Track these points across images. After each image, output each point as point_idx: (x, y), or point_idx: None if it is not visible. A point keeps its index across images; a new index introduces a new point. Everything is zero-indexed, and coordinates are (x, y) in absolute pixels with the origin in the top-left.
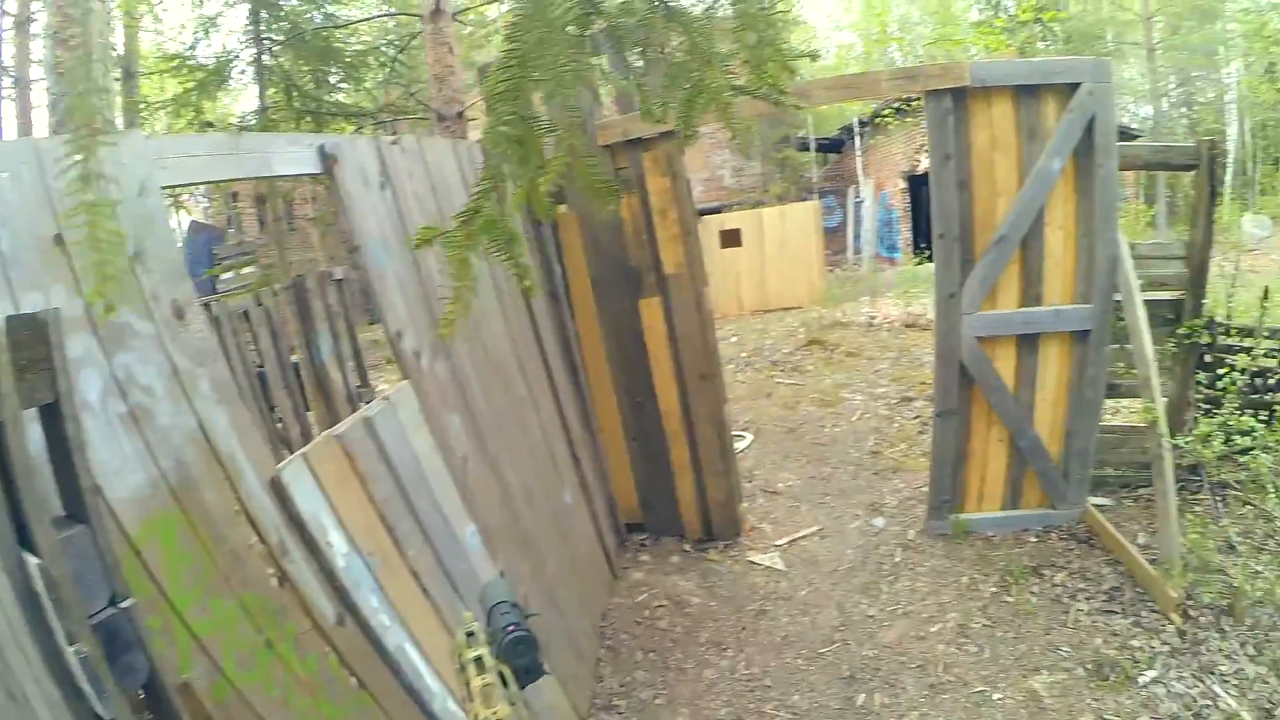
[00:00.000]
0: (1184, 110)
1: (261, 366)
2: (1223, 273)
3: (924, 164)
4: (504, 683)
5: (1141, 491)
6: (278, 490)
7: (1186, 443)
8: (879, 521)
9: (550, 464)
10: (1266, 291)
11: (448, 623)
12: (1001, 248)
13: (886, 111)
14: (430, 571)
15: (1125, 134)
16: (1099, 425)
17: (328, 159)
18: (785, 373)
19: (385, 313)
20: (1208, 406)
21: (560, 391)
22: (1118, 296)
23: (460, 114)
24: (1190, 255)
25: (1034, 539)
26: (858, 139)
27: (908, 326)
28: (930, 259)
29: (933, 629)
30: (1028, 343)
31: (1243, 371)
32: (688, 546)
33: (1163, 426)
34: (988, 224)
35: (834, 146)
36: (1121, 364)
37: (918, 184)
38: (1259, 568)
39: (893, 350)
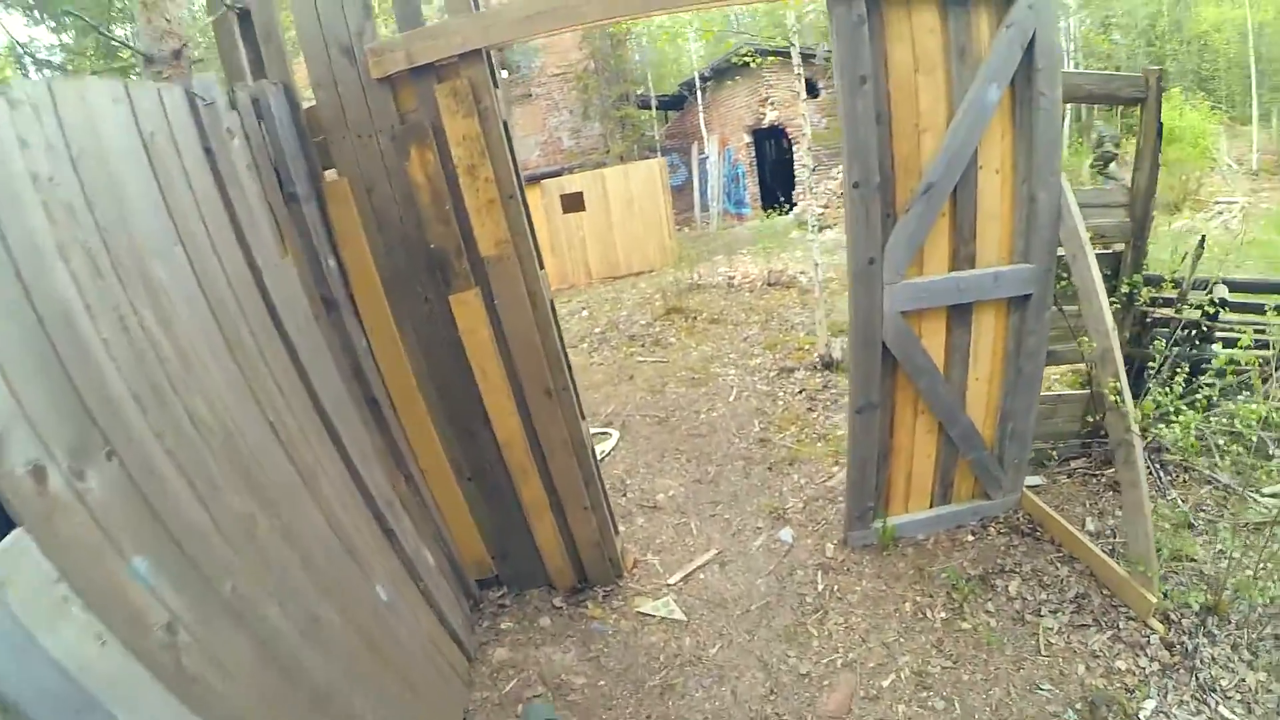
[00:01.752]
0: None
1: None
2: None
3: (769, 117)
4: None
5: (1075, 465)
6: None
7: (1157, 429)
8: (787, 534)
9: (348, 559)
10: (1203, 241)
11: None
12: (930, 198)
13: (735, 58)
14: None
15: None
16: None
17: None
18: (646, 348)
19: None
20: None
21: (350, 443)
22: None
23: (178, 53)
24: (1133, 203)
25: (971, 536)
26: (699, 94)
27: (770, 285)
28: (780, 211)
29: (885, 683)
30: (959, 313)
31: (1199, 336)
32: (559, 600)
33: (1129, 406)
34: (910, 168)
35: (675, 104)
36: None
37: (761, 138)
38: (1220, 546)
39: (759, 313)
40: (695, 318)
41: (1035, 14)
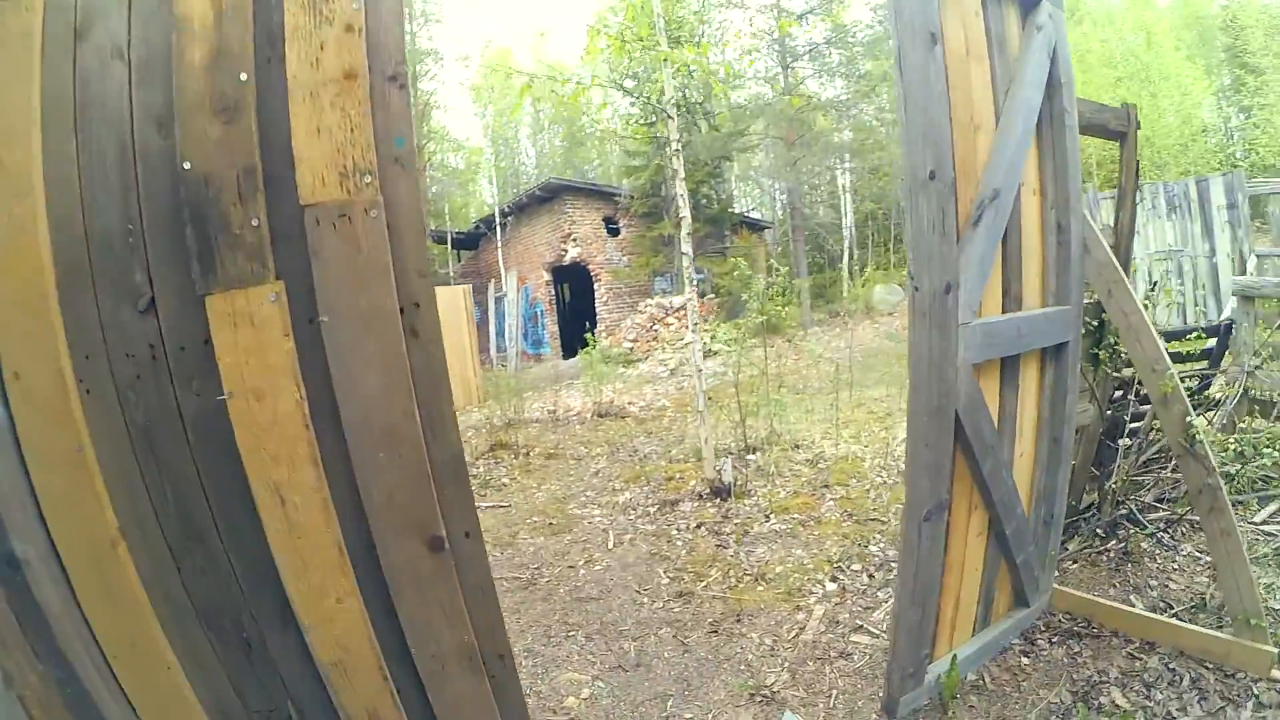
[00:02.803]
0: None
1: None
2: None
3: (570, 254)
4: None
5: (1070, 547)
6: None
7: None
8: None
9: None
10: (1155, 286)
11: None
12: (999, 207)
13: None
14: None
15: (754, 224)
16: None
17: None
18: (478, 490)
19: None
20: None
21: None
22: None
23: None
24: (1117, 246)
25: (1025, 659)
26: (499, 230)
27: (600, 416)
28: (588, 350)
29: None
30: (1010, 368)
31: None
32: None
33: (1207, 448)
34: (969, 171)
35: (469, 242)
36: None
37: (562, 276)
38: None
39: (601, 445)
40: (527, 454)
41: (1055, 26)
